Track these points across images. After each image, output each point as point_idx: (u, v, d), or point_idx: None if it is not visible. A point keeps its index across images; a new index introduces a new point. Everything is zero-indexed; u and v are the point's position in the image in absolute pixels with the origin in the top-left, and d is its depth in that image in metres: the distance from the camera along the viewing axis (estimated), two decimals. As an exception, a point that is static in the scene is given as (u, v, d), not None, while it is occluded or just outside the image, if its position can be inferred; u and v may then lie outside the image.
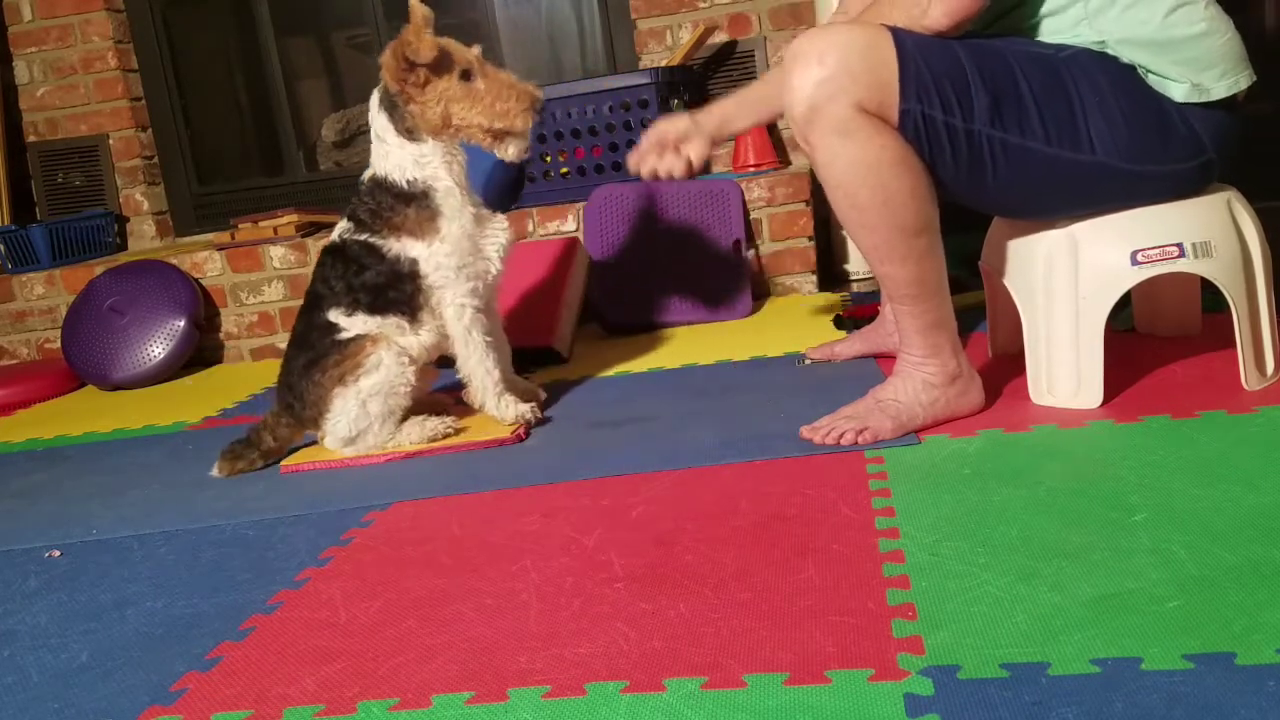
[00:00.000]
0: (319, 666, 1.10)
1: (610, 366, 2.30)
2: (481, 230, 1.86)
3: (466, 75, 1.77)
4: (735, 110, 1.82)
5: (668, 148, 1.81)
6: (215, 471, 1.89)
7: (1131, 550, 1.12)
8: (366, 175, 1.86)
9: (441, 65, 1.76)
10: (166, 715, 1.05)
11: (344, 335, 1.82)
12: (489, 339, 1.85)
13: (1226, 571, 1.05)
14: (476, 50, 1.81)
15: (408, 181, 1.80)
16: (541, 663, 1.05)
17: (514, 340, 2.03)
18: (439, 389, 2.10)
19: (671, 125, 1.81)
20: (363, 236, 1.83)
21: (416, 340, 1.86)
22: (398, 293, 1.83)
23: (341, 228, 1.87)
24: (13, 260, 3.29)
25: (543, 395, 2.03)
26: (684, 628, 1.08)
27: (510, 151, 1.83)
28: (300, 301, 1.91)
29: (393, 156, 1.81)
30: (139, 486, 1.90)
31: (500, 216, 1.91)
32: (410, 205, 1.80)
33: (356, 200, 1.85)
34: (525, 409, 1.86)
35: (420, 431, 1.83)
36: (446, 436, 1.84)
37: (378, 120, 1.82)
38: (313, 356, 1.84)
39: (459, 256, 1.81)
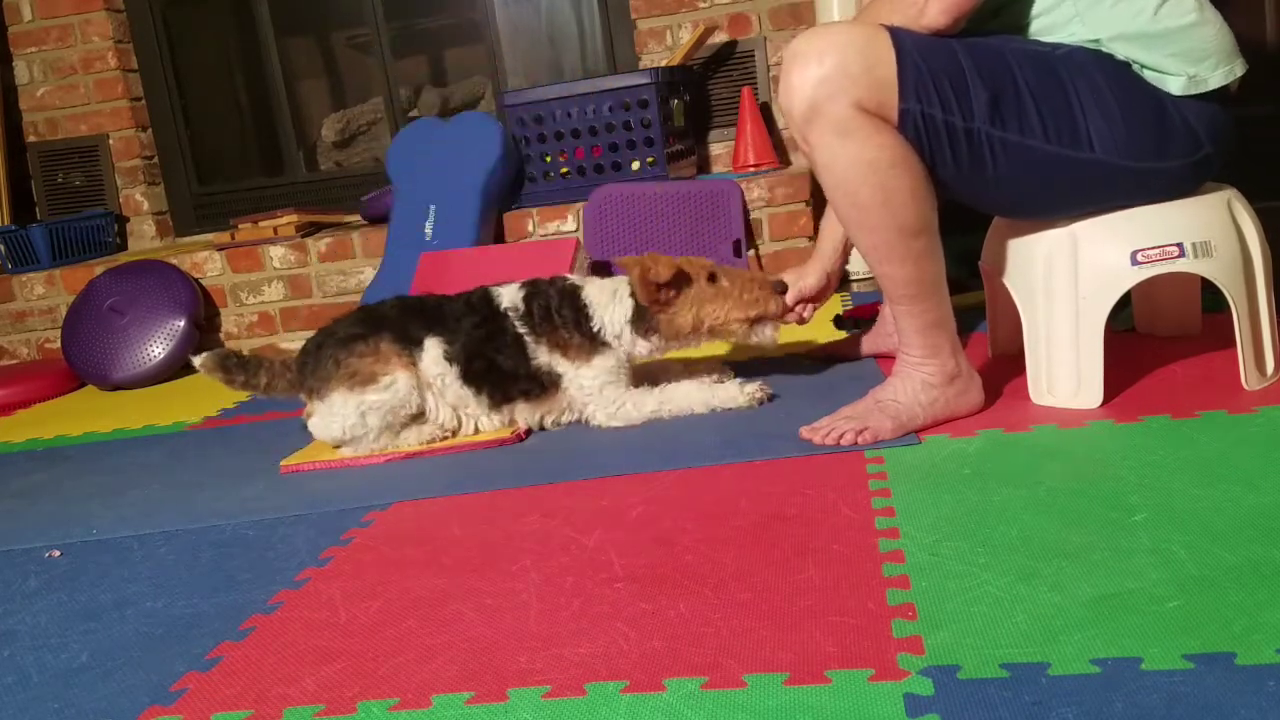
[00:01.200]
0: (319, 666, 1.10)
1: (610, 366, 2.29)
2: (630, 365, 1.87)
3: (713, 278, 1.81)
4: (840, 233, 1.87)
5: (805, 300, 1.91)
6: (198, 361, 1.89)
7: (1131, 550, 1.12)
8: (578, 278, 1.85)
9: (682, 278, 1.80)
10: (166, 715, 1.05)
11: (411, 353, 1.80)
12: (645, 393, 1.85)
13: (1226, 571, 1.05)
14: (710, 262, 1.85)
15: (599, 329, 1.80)
16: (541, 663, 1.05)
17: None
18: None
19: (807, 283, 1.89)
20: (521, 330, 1.80)
21: (466, 416, 1.86)
22: (522, 381, 1.81)
23: (511, 301, 1.83)
24: (13, 260, 3.30)
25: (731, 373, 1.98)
26: (684, 628, 1.08)
27: (767, 334, 1.86)
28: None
29: (609, 314, 1.81)
30: (139, 486, 1.90)
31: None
32: (581, 336, 1.80)
33: (544, 289, 1.83)
34: (754, 387, 1.84)
35: (417, 435, 1.84)
36: (444, 440, 1.85)
37: (625, 297, 1.81)
38: (357, 333, 1.81)
39: (601, 379, 1.81)
